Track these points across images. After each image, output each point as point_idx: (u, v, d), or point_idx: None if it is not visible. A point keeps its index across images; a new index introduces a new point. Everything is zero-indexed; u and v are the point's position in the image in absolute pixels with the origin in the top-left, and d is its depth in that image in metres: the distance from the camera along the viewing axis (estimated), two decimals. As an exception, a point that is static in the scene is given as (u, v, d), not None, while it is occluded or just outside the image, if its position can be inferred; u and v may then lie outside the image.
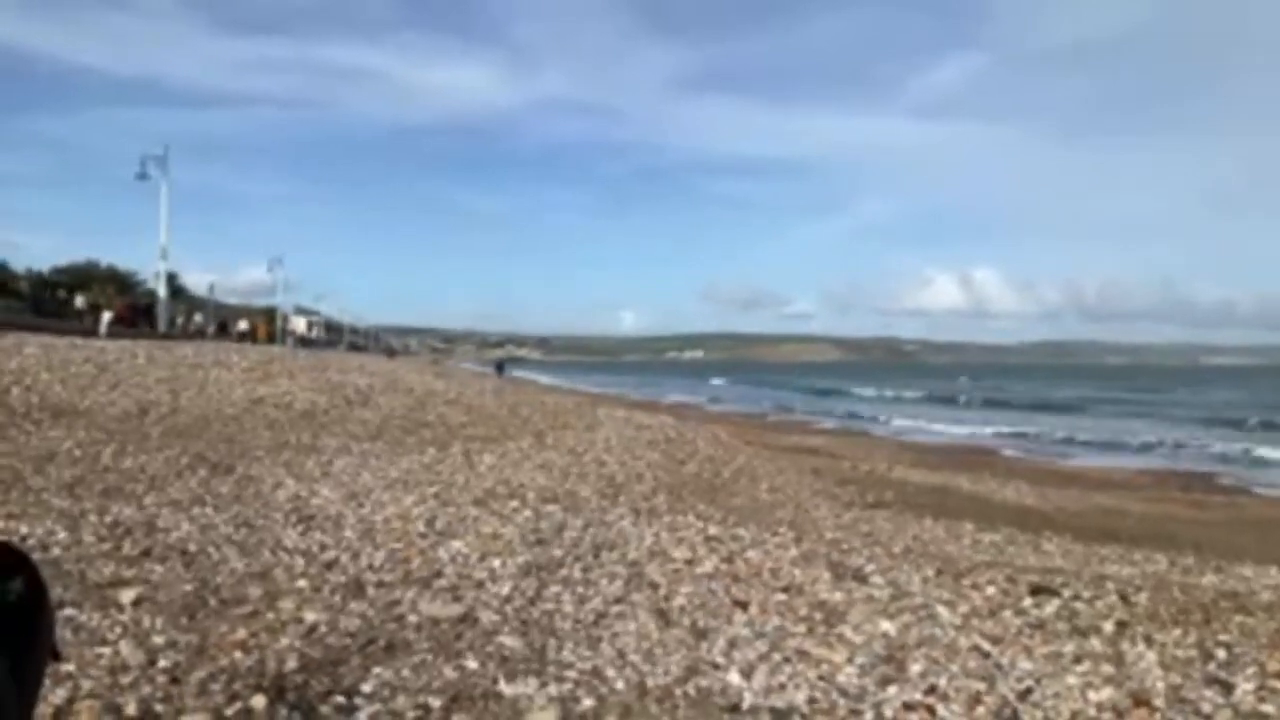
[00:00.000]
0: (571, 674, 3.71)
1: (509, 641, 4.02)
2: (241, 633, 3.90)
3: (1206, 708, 3.58)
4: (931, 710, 3.53)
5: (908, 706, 3.55)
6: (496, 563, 5.30)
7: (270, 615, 4.15)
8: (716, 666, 3.89)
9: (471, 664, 3.74)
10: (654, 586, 5.00)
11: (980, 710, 3.54)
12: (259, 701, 3.24)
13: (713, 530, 6.56)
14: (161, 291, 39.18)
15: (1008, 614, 4.67)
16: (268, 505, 6.56)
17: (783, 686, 3.70)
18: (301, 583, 4.70)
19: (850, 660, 3.99)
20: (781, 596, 4.90)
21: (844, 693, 3.66)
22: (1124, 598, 4.96)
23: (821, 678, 3.79)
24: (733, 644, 4.15)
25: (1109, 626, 4.46)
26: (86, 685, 3.26)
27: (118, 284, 46.79)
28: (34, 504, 5.99)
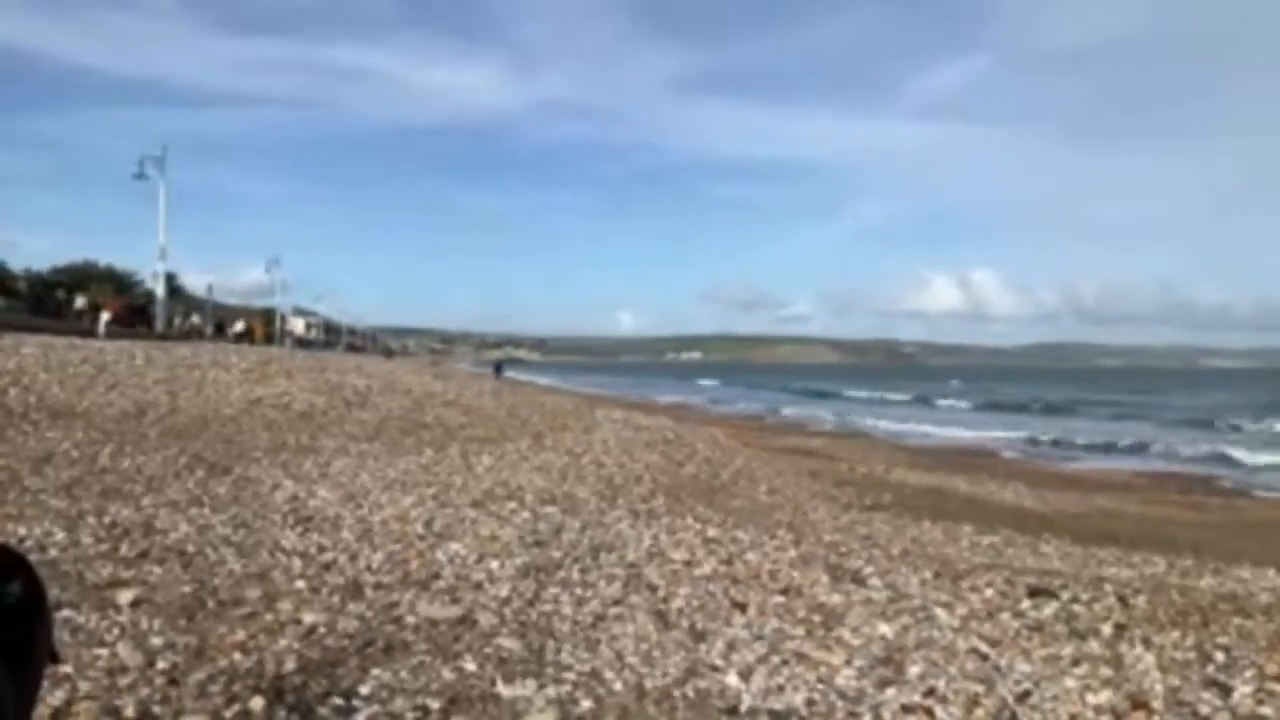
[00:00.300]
0: (570, 676, 3.71)
1: (507, 643, 4.02)
2: (240, 634, 3.89)
3: (1205, 710, 3.58)
4: (930, 712, 3.53)
5: (906, 709, 3.55)
6: (495, 564, 5.30)
7: (268, 617, 4.15)
8: (715, 668, 3.89)
9: (470, 665, 3.74)
10: (652, 588, 5.01)
11: (979, 712, 3.54)
12: (257, 703, 3.23)
13: (711, 532, 6.56)
14: (160, 292, 39.18)
15: (1006, 616, 4.68)
16: (266, 506, 6.55)
17: (781, 688, 3.70)
18: (300, 584, 4.70)
19: (848, 662, 3.99)
20: (780, 598, 4.90)
21: (842, 695, 3.66)
22: (1122, 600, 4.97)
23: (820, 680, 3.79)
24: (731, 646, 4.15)
25: (1107, 629, 4.47)
26: (84, 687, 3.25)
27: (116, 284, 46.79)
28: (32, 505, 5.98)
